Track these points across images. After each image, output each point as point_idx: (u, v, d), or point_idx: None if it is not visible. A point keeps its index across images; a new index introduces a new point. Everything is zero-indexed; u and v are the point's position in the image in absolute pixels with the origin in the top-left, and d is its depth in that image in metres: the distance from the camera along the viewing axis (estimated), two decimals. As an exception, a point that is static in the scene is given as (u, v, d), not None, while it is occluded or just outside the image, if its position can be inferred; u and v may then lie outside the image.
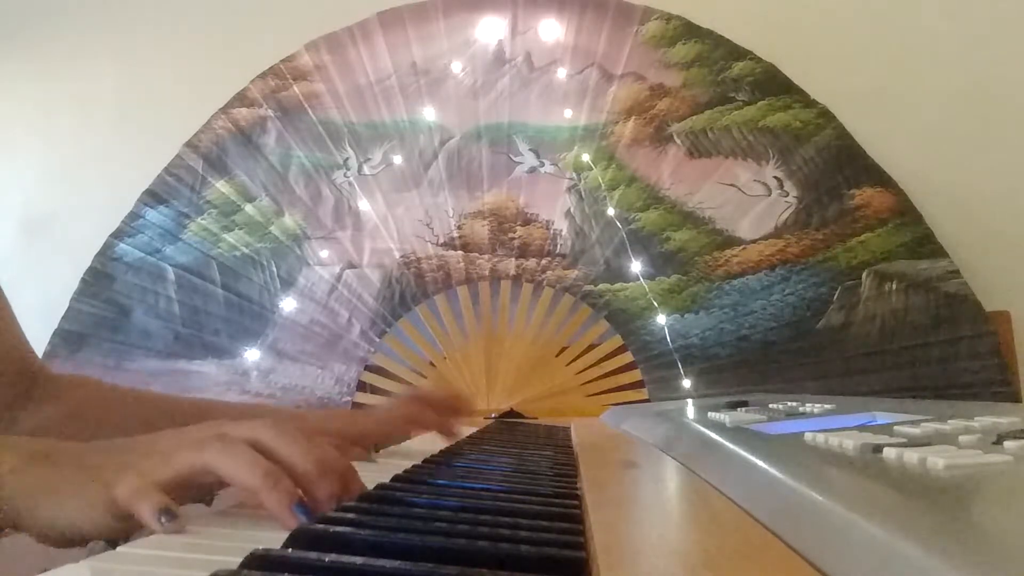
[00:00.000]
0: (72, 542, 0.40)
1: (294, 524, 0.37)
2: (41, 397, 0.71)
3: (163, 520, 0.36)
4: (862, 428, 0.47)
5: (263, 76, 1.98)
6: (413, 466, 0.55)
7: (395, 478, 0.48)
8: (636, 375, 1.77)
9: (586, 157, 1.87)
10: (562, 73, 1.91)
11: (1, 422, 0.68)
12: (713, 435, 0.51)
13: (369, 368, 1.85)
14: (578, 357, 1.80)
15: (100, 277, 1.93)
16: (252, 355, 1.87)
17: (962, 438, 0.38)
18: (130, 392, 0.82)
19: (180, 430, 0.44)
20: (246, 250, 1.92)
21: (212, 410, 0.76)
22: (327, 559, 0.28)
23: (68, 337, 1.88)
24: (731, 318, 1.76)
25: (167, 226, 1.95)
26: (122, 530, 0.39)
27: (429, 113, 1.94)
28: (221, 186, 1.95)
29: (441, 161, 1.91)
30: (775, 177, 1.81)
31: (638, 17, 1.89)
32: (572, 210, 1.87)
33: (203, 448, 0.40)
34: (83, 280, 1.92)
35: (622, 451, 0.69)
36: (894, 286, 1.72)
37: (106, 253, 1.94)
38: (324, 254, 1.91)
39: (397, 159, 1.93)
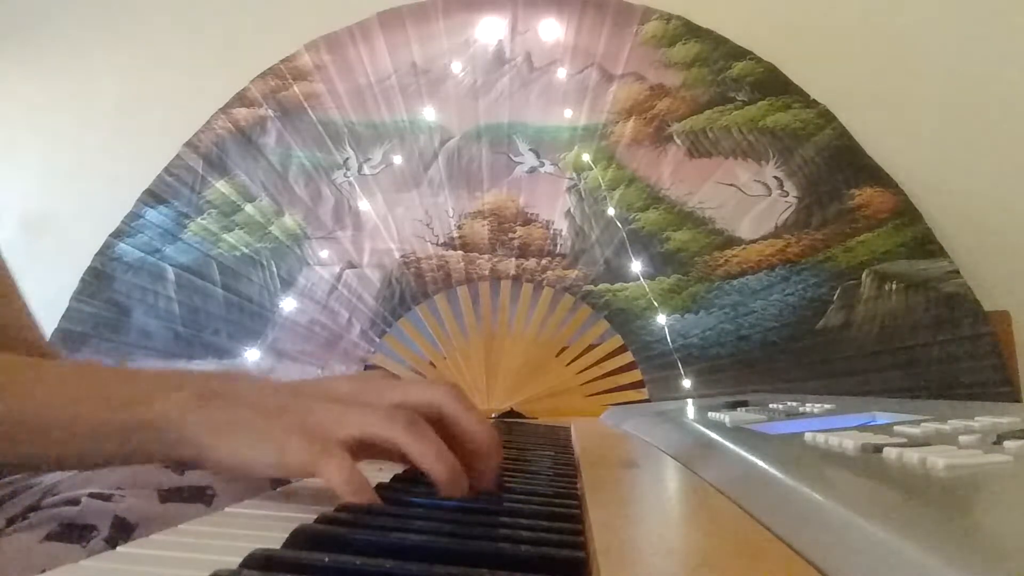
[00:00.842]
0: (249, 477, 0.42)
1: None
2: None
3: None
4: (862, 428, 0.47)
5: (263, 76, 1.98)
6: (413, 466, 0.55)
7: (395, 478, 0.48)
8: (636, 375, 1.77)
9: (586, 157, 1.87)
10: (562, 73, 1.91)
11: None
12: (713, 435, 0.51)
13: (369, 368, 1.85)
14: (578, 357, 1.80)
15: (100, 277, 1.93)
16: (252, 355, 1.87)
17: (962, 438, 0.38)
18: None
19: (359, 384, 0.45)
20: (246, 250, 1.92)
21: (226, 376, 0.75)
22: (327, 559, 0.28)
23: (68, 337, 1.88)
24: (731, 318, 1.76)
25: (167, 226, 1.95)
26: (300, 475, 0.41)
27: (429, 113, 1.94)
28: (221, 186, 1.95)
29: (441, 161, 1.91)
30: (775, 177, 1.81)
31: (638, 17, 1.89)
32: (572, 210, 1.87)
33: (392, 422, 0.41)
34: (83, 280, 1.93)
35: (622, 451, 0.69)
36: (894, 286, 1.72)
37: (106, 253, 1.94)
38: (324, 254, 1.91)
39: (397, 159, 1.93)
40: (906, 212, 1.74)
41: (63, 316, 1.89)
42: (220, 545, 0.32)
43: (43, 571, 0.31)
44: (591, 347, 1.80)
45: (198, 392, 0.42)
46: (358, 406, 0.42)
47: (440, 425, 0.43)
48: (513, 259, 1.86)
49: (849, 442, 0.38)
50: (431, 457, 0.41)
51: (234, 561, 0.28)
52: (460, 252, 1.87)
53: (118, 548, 0.31)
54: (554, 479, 0.52)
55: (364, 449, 0.41)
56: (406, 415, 0.41)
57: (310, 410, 0.42)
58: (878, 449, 0.36)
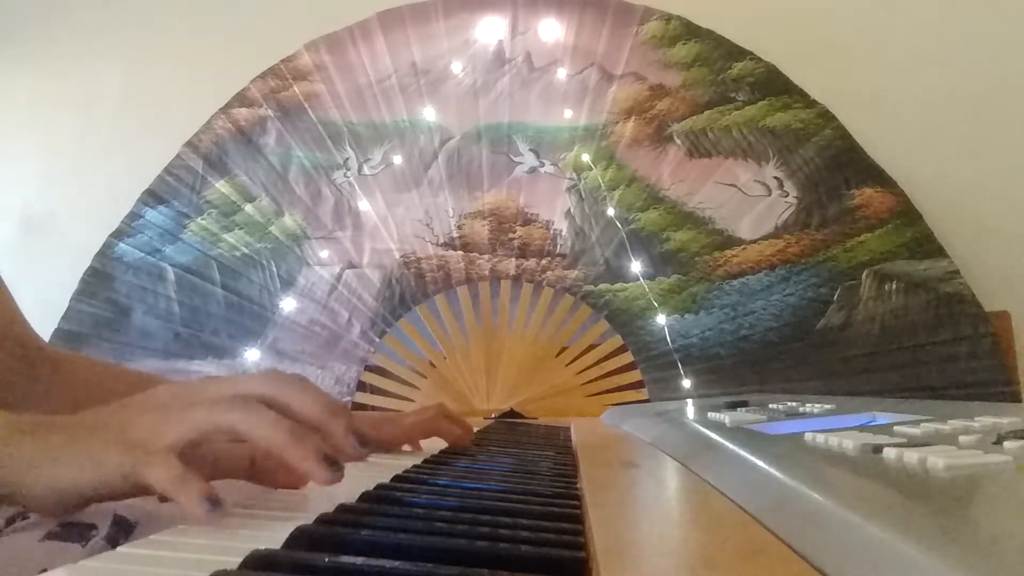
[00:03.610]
0: (70, 507, 0.39)
1: (324, 477, 0.38)
2: (44, 382, 0.71)
3: (208, 508, 0.35)
4: (862, 428, 0.47)
5: (263, 76, 1.98)
6: (413, 466, 0.55)
7: (395, 478, 0.48)
8: (636, 375, 1.77)
9: (586, 157, 1.87)
10: (562, 73, 1.91)
11: (13, 406, 0.68)
12: (713, 435, 0.51)
13: (369, 368, 1.85)
14: (578, 357, 1.80)
15: (100, 277, 1.93)
16: (252, 355, 1.87)
17: (962, 438, 0.38)
18: (118, 368, 0.83)
19: (182, 388, 0.43)
20: (246, 250, 1.92)
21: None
22: (327, 559, 0.28)
23: (68, 337, 1.88)
24: (731, 318, 1.76)
25: (167, 226, 1.95)
26: (127, 491, 0.39)
27: (429, 113, 1.94)
28: (221, 186, 1.95)
29: (441, 161, 1.91)
30: (775, 177, 1.81)
31: (638, 17, 1.89)
32: (572, 210, 1.87)
33: (222, 408, 0.39)
34: (83, 280, 1.93)
35: (622, 451, 0.69)
36: (894, 286, 1.72)
37: (106, 253, 1.94)
38: (324, 254, 1.91)
39: (397, 159, 1.93)
40: (906, 212, 1.74)
41: (63, 316, 1.89)
42: (220, 545, 0.32)
43: (43, 570, 0.31)
44: (591, 347, 1.80)
45: (13, 428, 0.40)
46: (179, 409, 0.40)
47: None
48: (513, 259, 1.86)
49: (849, 442, 0.38)
50: (264, 427, 0.38)
51: (234, 561, 0.28)
52: (460, 252, 1.87)
53: (118, 548, 0.31)
54: (554, 479, 0.52)
55: (197, 455, 0.39)
56: (231, 398, 0.40)
57: (130, 422, 0.40)
58: (878, 449, 0.36)
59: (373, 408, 1.82)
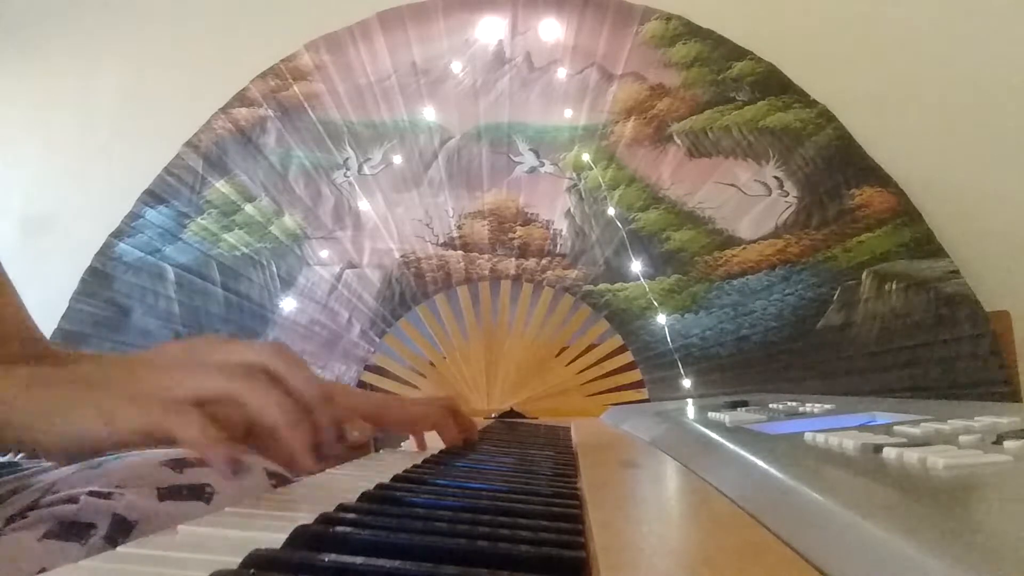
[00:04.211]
0: (80, 456, 0.42)
1: (308, 465, 0.40)
2: None
3: (232, 471, 0.37)
4: (862, 428, 0.47)
5: (263, 76, 1.98)
6: (413, 466, 0.55)
7: (395, 478, 0.48)
8: (636, 375, 1.77)
9: (586, 157, 1.87)
10: (562, 73, 1.91)
11: None
12: (713, 435, 0.51)
13: (369, 368, 1.85)
14: (578, 357, 1.80)
15: (100, 277, 1.93)
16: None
17: (962, 438, 0.38)
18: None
19: (189, 349, 0.44)
20: (246, 250, 1.92)
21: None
22: (327, 559, 0.28)
23: (68, 337, 1.88)
24: (731, 318, 1.76)
25: (167, 226, 1.95)
26: (136, 443, 0.40)
27: (429, 113, 1.94)
28: (221, 186, 1.95)
29: (441, 161, 1.91)
30: (775, 177, 1.81)
31: (638, 17, 1.89)
32: (572, 210, 1.87)
33: (229, 375, 0.41)
34: (83, 280, 1.93)
35: (622, 451, 0.69)
36: (894, 286, 1.72)
37: (106, 253, 1.94)
38: (324, 254, 1.91)
39: (397, 159, 1.93)
40: (906, 212, 1.74)
41: (63, 316, 1.89)
42: (220, 545, 0.32)
43: (42, 570, 0.31)
44: (591, 347, 1.80)
45: (26, 379, 0.42)
46: (188, 369, 0.42)
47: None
48: (513, 259, 1.86)
49: (849, 442, 0.38)
50: (268, 403, 0.40)
51: (234, 561, 0.28)
52: (460, 252, 1.87)
53: (118, 548, 0.31)
54: (554, 479, 0.52)
55: (222, 419, 0.41)
56: (240, 368, 0.42)
57: (139, 378, 0.41)
58: (878, 449, 0.36)
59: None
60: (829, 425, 0.52)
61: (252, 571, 0.27)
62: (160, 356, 0.44)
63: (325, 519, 0.35)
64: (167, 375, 0.41)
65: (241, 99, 1.98)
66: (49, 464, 0.54)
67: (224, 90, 1.98)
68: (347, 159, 1.94)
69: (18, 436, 0.41)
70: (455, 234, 1.88)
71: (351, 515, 0.36)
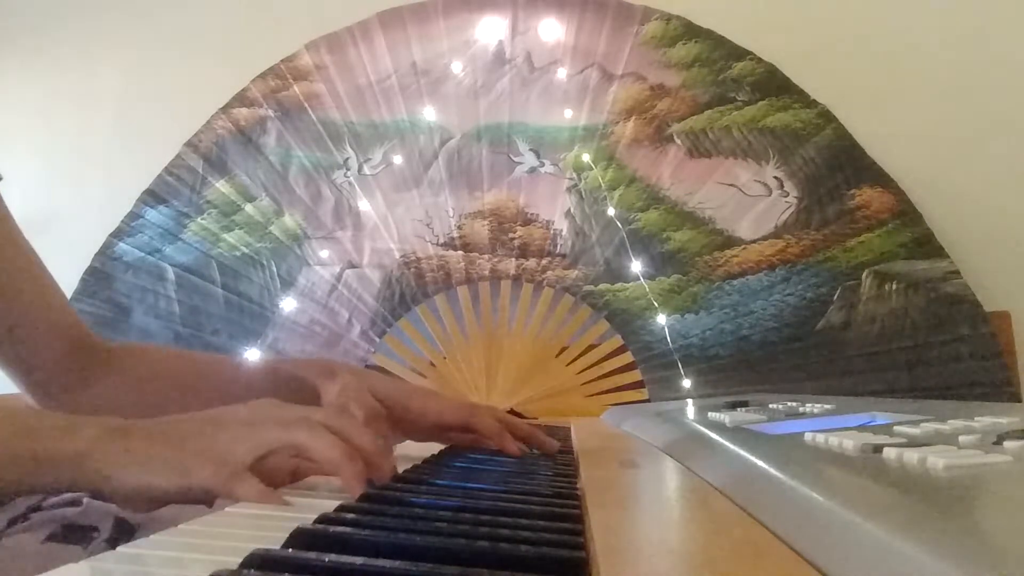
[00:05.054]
0: (152, 506, 0.44)
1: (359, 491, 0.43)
2: (100, 373, 0.72)
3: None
4: (862, 428, 0.47)
5: (263, 76, 1.98)
6: (413, 466, 0.55)
7: (395, 478, 0.48)
8: (636, 375, 1.77)
9: (586, 157, 1.87)
10: (562, 73, 1.91)
11: (62, 405, 0.68)
12: (713, 435, 0.51)
13: (369, 368, 1.85)
14: (578, 357, 1.80)
15: (100, 277, 1.93)
16: (252, 355, 1.87)
17: (962, 438, 0.38)
18: (186, 355, 0.84)
19: (258, 409, 0.49)
20: (246, 250, 1.92)
21: (278, 370, 0.76)
22: (327, 559, 0.28)
23: (68, 337, 1.88)
24: (731, 318, 1.76)
25: (167, 226, 1.95)
26: (199, 499, 0.43)
27: (429, 113, 1.94)
28: (221, 186, 1.95)
29: (441, 161, 1.91)
30: (775, 177, 1.81)
31: (638, 17, 1.89)
32: (572, 210, 1.87)
33: (290, 428, 0.46)
34: (83, 280, 1.93)
35: (622, 451, 0.69)
36: (894, 286, 1.72)
37: (106, 253, 1.94)
38: (324, 254, 1.91)
39: (397, 159, 1.93)
40: (906, 212, 1.74)
41: (63, 316, 1.89)
42: (220, 545, 0.32)
43: (43, 571, 0.31)
44: (591, 347, 1.80)
45: (106, 429, 0.45)
46: (254, 426, 0.46)
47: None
48: (513, 259, 1.86)
49: (849, 442, 0.38)
50: (325, 447, 0.45)
51: (234, 561, 0.28)
52: (460, 252, 1.87)
53: (118, 548, 0.31)
54: (554, 479, 0.52)
55: (271, 468, 0.45)
56: (298, 419, 0.46)
57: (212, 436, 0.45)
58: (878, 449, 0.36)
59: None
60: (829, 425, 0.52)
61: (252, 571, 0.27)
62: (231, 414, 0.48)
63: (325, 519, 0.35)
64: (236, 434, 0.45)
65: (241, 99, 1.98)
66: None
67: (224, 90, 1.98)
68: (347, 159, 1.94)
69: (93, 483, 0.44)
70: (455, 234, 1.88)
71: (351, 515, 0.36)
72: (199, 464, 0.43)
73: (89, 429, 0.44)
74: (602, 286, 1.82)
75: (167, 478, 0.43)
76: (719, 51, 1.86)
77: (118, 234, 1.95)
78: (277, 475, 0.46)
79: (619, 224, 1.83)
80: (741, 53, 1.85)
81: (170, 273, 1.93)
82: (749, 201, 1.80)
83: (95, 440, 0.43)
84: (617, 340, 1.79)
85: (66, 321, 0.72)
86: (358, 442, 0.46)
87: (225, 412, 0.48)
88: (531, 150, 1.90)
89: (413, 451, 0.73)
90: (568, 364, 1.80)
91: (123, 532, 0.51)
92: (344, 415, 0.50)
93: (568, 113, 1.90)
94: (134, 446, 0.44)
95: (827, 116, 1.80)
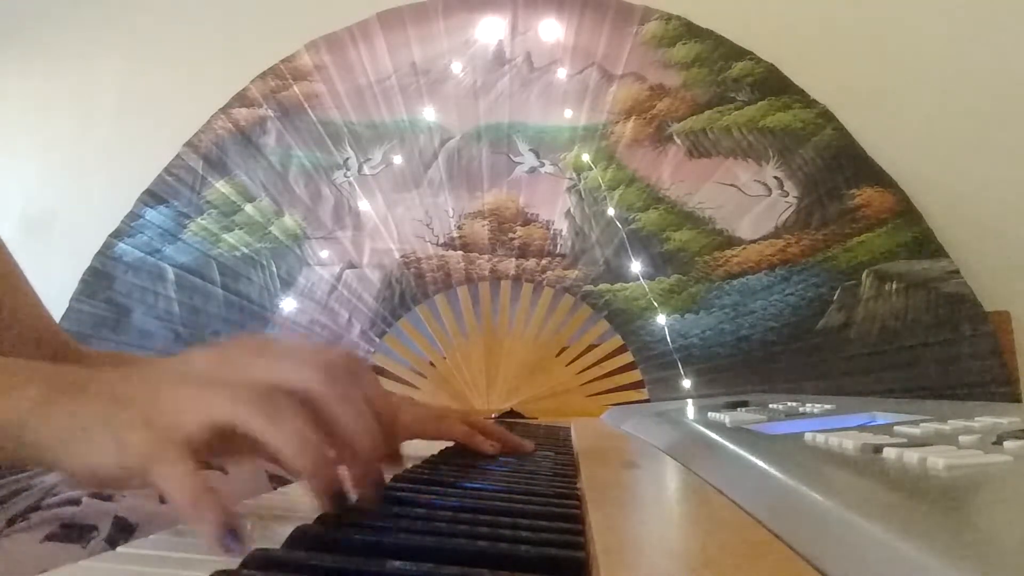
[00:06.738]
0: (108, 484, 0.36)
1: (329, 508, 0.35)
2: None
3: (227, 542, 0.31)
4: (862, 428, 0.47)
5: (263, 76, 1.98)
6: (413, 466, 0.55)
7: (395, 478, 0.48)
8: (636, 375, 1.77)
9: (586, 157, 1.87)
10: (562, 73, 1.91)
11: None
12: (713, 435, 0.51)
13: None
14: (578, 357, 1.80)
15: (100, 277, 1.93)
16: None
17: (962, 438, 0.38)
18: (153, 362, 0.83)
19: (221, 361, 0.38)
20: (246, 250, 1.92)
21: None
22: (327, 559, 0.28)
23: (68, 337, 1.88)
24: (731, 318, 1.76)
25: (167, 226, 1.95)
26: (143, 479, 0.35)
27: (429, 113, 1.94)
28: (221, 186, 1.95)
29: (441, 161, 1.91)
30: (775, 177, 1.81)
31: (638, 17, 1.89)
32: (572, 210, 1.87)
33: (244, 404, 0.34)
34: (83, 280, 1.93)
35: (622, 451, 0.69)
36: (894, 286, 1.72)
37: (106, 253, 1.94)
38: (324, 254, 1.91)
39: (397, 159, 1.93)
40: (906, 212, 1.74)
41: (63, 316, 1.89)
42: (220, 545, 0.32)
43: (43, 571, 0.31)
44: (591, 347, 1.80)
45: (47, 389, 0.36)
46: (208, 388, 0.35)
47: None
48: (513, 259, 1.86)
49: (849, 442, 0.38)
50: (290, 447, 0.34)
51: (234, 561, 0.28)
52: (460, 252, 1.87)
53: (118, 548, 0.31)
54: (554, 479, 0.52)
55: (223, 440, 0.35)
56: (262, 394, 0.35)
57: (156, 397, 0.35)
58: (878, 449, 0.36)
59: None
60: (829, 425, 0.52)
61: (252, 571, 0.27)
62: (188, 366, 0.38)
63: (325, 519, 0.35)
64: (183, 397, 0.35)
65: (241, 99, 1.98)
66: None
67: (224, 90, 1.98)
68: (347, 159, 1.94)
69: (34, 458, 0.36)
70: (455, 234, 1.88)
71: (351, 515, 0.36)
72: (133, 436, 0.34)
73: (32, 388, 0.36)
74: (602, 286, 1.82)
75: (106, 457, 0.34)
76: (719, 51, 1.86)
77: (118, 234, 1.95)
78: (244, 442, 0.35)
79: (619, 224, 1.83)
80: (741, 53, 1.85)
81: (170, 273, 1.93)
82: (749, 201, 1.80)
83: (37, 404, 0.35)
84: (617, 340, 1.79)
85: (47, 329, 0.72)
86: (345, 428, 0.36)
87: (189, 363, 0.38)
88: (531, 150, 1.90)
89: (413, 451, 0.73)
90: (568, 364, 1.80)
91: (122, 531, 0.51)
92: (343, 380, 0.37)
93: (568, 113, 1.90)
94: (70, 417, 0.35)
95: (827, 116, 1.80)
